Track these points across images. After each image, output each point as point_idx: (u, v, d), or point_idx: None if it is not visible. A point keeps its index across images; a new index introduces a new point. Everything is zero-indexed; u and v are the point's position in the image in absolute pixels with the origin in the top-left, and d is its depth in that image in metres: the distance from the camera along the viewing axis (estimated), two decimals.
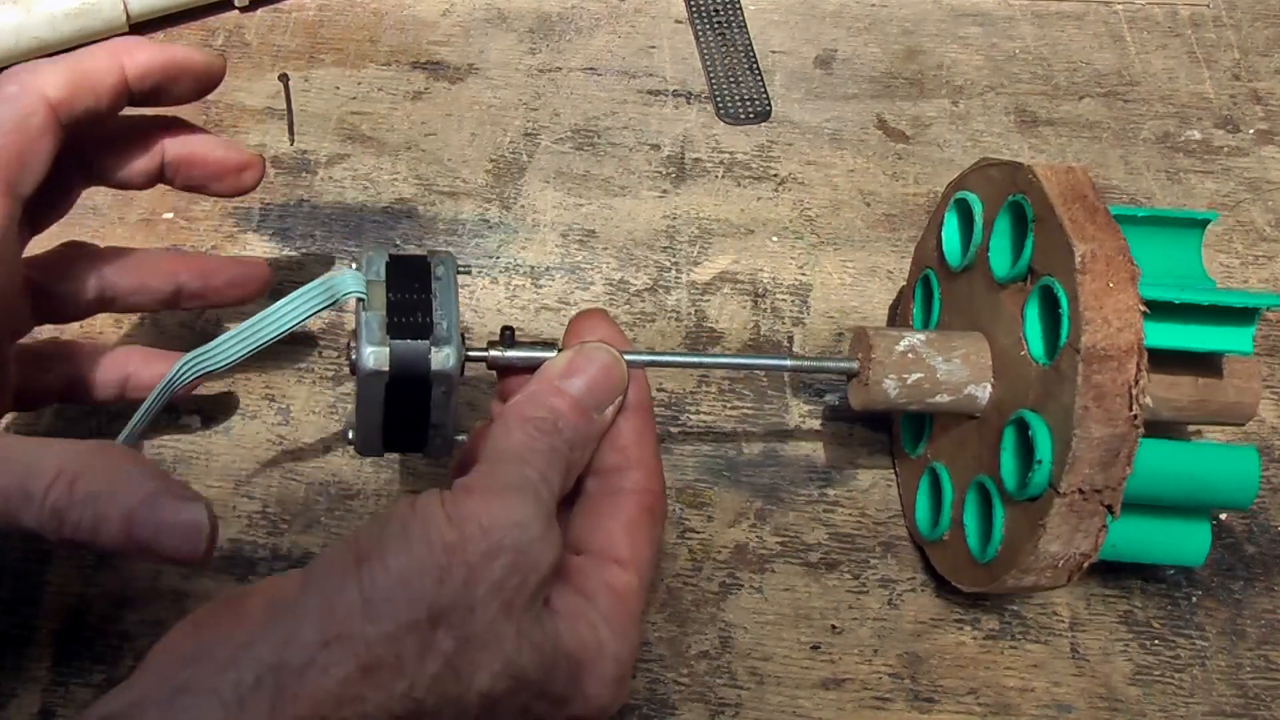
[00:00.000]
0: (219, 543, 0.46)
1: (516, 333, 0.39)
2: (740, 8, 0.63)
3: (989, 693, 0.45)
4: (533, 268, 0.54)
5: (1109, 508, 0.38)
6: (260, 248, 0.54)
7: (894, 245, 0.55)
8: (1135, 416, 0.37)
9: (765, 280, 0.54)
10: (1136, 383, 0.37)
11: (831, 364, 0.44)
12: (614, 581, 0.35)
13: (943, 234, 0.46)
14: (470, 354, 0.38)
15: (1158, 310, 0.39)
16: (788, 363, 0.44)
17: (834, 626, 0.46)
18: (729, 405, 0.51)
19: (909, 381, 0.42)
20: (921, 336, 0.43)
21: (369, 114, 0.58)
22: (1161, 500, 0.42)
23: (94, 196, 0.55)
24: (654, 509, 0.37)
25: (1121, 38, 0.63)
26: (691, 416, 0.50)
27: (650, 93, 0.60)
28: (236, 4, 0.60)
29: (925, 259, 0.49)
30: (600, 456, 0.37)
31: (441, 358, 0.37)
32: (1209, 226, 0.44)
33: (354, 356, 0.37)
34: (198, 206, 0.55)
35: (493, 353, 0.39)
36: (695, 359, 0.43)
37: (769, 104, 0.59)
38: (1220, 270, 0.55)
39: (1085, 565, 0.40)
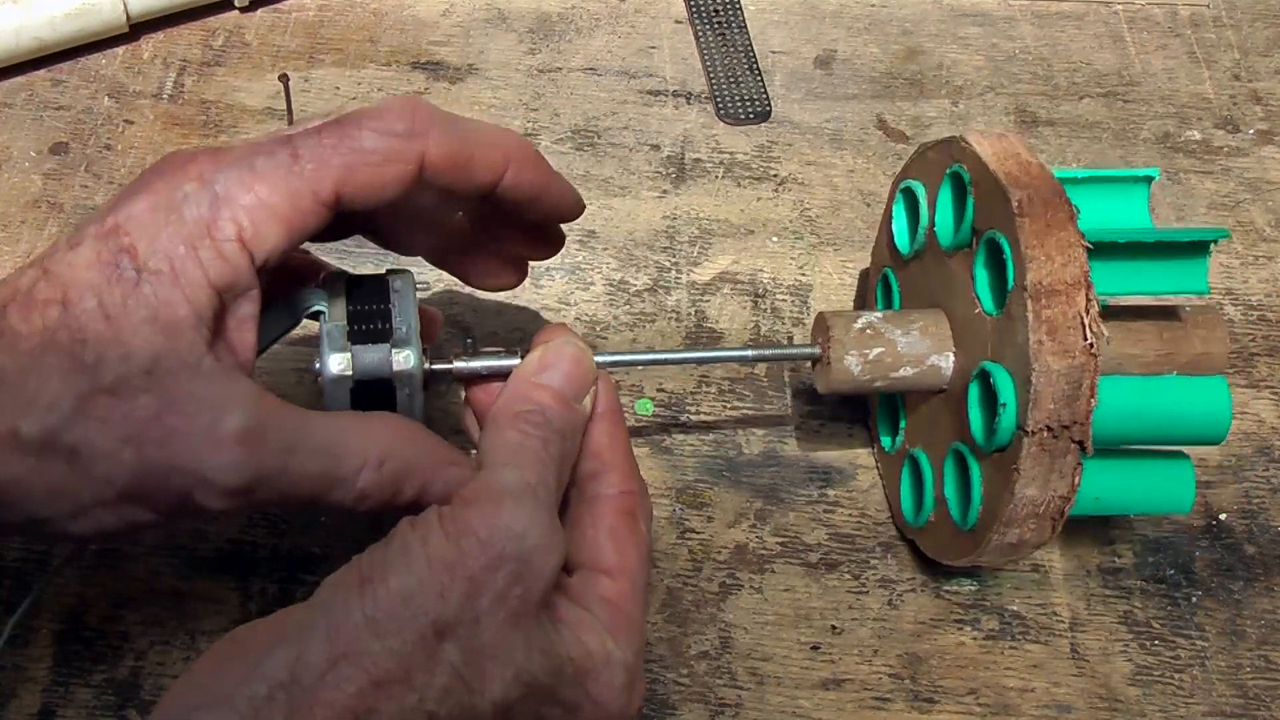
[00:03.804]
0: (219, 543, 0.46)
1: (480, 341, 0.41)
2: (740, 8, 0.63)
3: (989, 693, 0.45)
4: (532, 268, 0.54)
5: (1080, 444, 0.38)
6: None
7: None
8: (1091, 345, 0.38)
9: (765, 280, 0.54)
10: (1088, 312, 0.38)
11: (793, 350, 0.45)
12: (606, 593, 0.35)
13: (892, 225, 0.47)
14: (435, 367, 0.39)
15: (1104, 252, 0.40)
16: (749, 353, 0.44)
17: (834, 627, 0.46)
18: (729, 405, 0.51)
19: (870, 356, 0.43)
20: (879, 314, 0.44)
21: None
22: (1135, 440, 0.42)
23: (95, 196, 0.55)
24: (634, 510, 0.37)
25: (1121, 38, 0.63)
26: (691, 416, 0.50)
27: (650, 93, 0.60)
28: (236, 4, 0.60)
29: (881, 259, 0.50)
30: (577, 465, 0.38)
31: (402, 358, 0.38)
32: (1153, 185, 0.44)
33: (317, 365, 0.38)
34: None
35: (457, 364, 0.39)
36: (658, 356, 0.44)
37: (769, 104, 0.59)
38: (1220, 270, 0.55)
39: (1066, 510, 0.40)
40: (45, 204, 0.54)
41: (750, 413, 0.51)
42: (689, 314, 0.53)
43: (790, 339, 0.53)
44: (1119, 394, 0.40)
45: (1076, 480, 0.39)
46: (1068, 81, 0.61)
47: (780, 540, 0.48)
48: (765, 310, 0.53)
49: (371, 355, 0.37)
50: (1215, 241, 0.41)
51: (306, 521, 0.47)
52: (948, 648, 0.46)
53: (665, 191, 0.56)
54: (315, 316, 0.39)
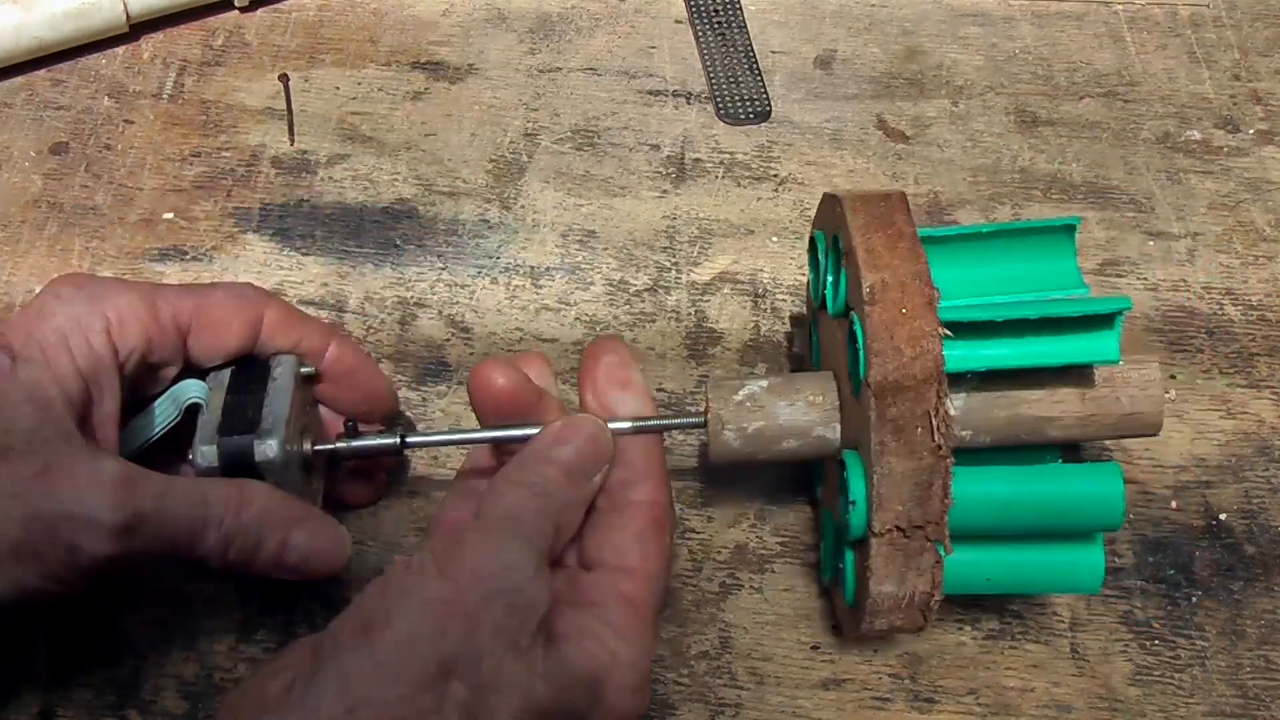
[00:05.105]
0: None
1: (359, 424, 0.43)
2: (740, 8, 0.63)
3: (989, 693, 0.45)
4: (533, 268, 0.54)
5: (938, 542, 0.37)
6: (261, 248, 0.54)
7: None
8: (940, 446, 0.36)
9: (765, 280, 0.54)
10: (938, 411, 0.36)
11: (680, 421, 0.42)
12: (626, 590, 0.36)
13: (808, 271, 0.45)
14: (318, 447, 0.42)
15: (993, 329, 0.37)
16: (627, 425, 0.40)
17: (834, 627, 0.46)
18: None
19: (750, 430, 0.41)
20: (764, 383, 0.41)
21: (369, 114, 0.58)
22: (1018, 529, 0.39)
23: (94, 196, 0.55)
24: (661, 521, 0.38)
25: (1121, 38, 0.63)
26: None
27: (650, 93, 0.60)
28: (236, 4, 0.60)
29: (811, 300, 0.47)
30: (610, 474, 0.39)
31: (264, 449, 0.40)
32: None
33: (190, 456, 0.40)
34: (198, 207, 0.55)
35: (339, 444, 0.42)
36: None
37: (769, 104, 0.59)
38: (1220, 270, 0.55)
39: (934, 603, 0.38)
40: (45, 204, 0.54)
41: None
42: (689, 314, 0.53)
43: (790, 339, 0.53)
44: (988, 485, 0.38)
45: (937, 578, 0.37)
46: (1068, 81, 0.61)
47: (780, 540, 0.48)
48: (765, 310, 0.53)
49: (235, 447, 0.40)
50: (1121, 312, 0.37)
51: None
52: (948, 647, 0.46)
53: (665, 191, 0.56)
54: (196, 409, 0.41)
